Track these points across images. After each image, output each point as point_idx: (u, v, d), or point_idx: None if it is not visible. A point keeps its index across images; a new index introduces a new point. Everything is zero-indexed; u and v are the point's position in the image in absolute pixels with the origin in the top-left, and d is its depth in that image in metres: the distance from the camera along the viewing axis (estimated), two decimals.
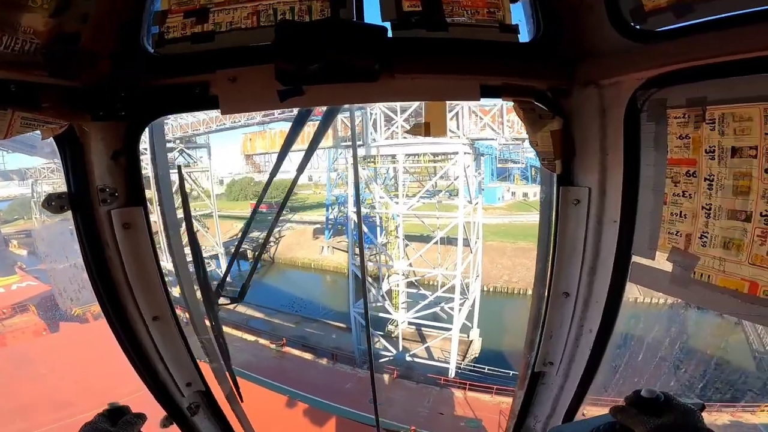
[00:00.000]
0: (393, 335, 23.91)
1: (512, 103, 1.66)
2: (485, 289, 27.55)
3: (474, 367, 21.75)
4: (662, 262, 1.49)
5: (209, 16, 1.53)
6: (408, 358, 22.41)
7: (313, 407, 12.19)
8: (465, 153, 21.38)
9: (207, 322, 2.25)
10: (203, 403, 2.25)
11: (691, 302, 1.47)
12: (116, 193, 1.56)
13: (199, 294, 2.27)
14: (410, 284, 25.32)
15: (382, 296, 23.64)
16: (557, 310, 1.91)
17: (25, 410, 11.41)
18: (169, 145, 32.62)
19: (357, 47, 1.35)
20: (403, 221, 23.95)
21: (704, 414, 1.10)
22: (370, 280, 24.18)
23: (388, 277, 24.41)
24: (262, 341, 22.95)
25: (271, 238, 46.22)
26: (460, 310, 21.65)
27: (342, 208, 39.07)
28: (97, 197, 1.52)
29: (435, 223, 25.84)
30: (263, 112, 27.71)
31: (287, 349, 21.90)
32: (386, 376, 19.03)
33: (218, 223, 35.54)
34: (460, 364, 21.20)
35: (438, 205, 25.71)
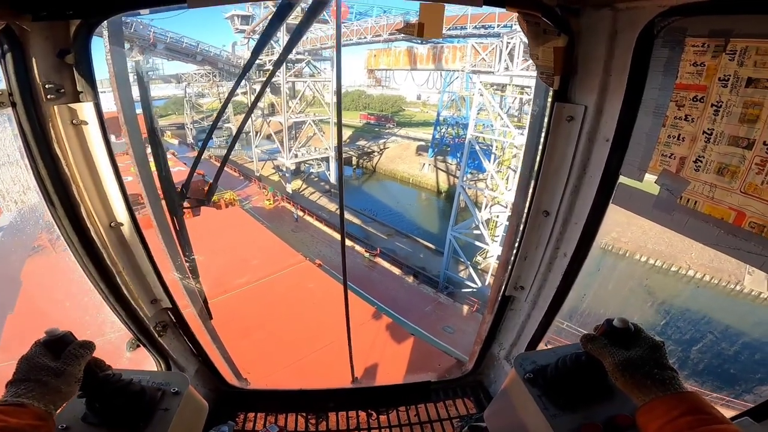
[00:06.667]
0: (480, 266, 24.03)
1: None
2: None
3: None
4: None
5: None
6: None
7: (395, 323, 12.83)
8: None
9: (172, 229, 2.02)
10: (171, 322, 2.15)
11: (672, 229, 1.37)
12: (62, 89, 1.43)
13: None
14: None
15: (482, 224, 23.45)
16: (535, 230, 1.86)
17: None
18: (298, 56, 34.96)
19: None
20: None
21: None
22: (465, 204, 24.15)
23: (491, 206, 23.97)
24: (357, 248, 24.45)
25: (375, 148, 48.03)
26: None
27: (450, 129, 38.53)
28: (41, 93, 1.39)
29: None
30: (388, 32, 28.04)
31: (378, 260, 23.15)
32: (465, 307, 19.37)
33: (332, 129, 37.56)
34: None
35: None
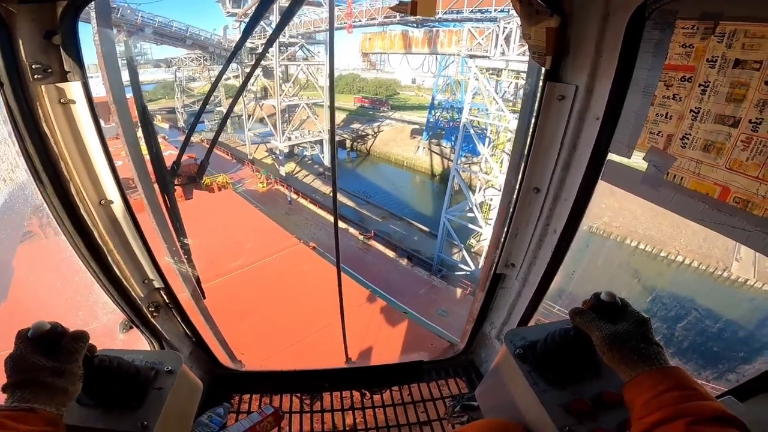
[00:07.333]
0: (474, 249, 24.22)
1: None
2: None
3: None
4: None
5: None
6: None
7: (390, 306, 12.86)
8: None
9: (162, 207, 2.01)
10: (164, 302, 2.16)
11: (658, 204, 1.41)
12: (49, 69, 1.44)
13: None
14: None
15: (476, 207, 23.57)
16: (526, 207, 1.90)
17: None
18: (291, 39, 34.55)
19: None
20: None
21: None
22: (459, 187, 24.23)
23: (485, 189, 24.07)
24: (352, 230, 24.49)
25: (370, 132, 47.92)
26: None
27: (445, 113, 38.38)
28: (29, 72, 1.40)
29: None
30: (384, 15, 28.26)
31: (372, 242, 23.23)
32: (459, 290, 19.46)
33: (326, 112, 37.34)
34: None
35: None
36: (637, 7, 1.29)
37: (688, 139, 1.30)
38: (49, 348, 0.94)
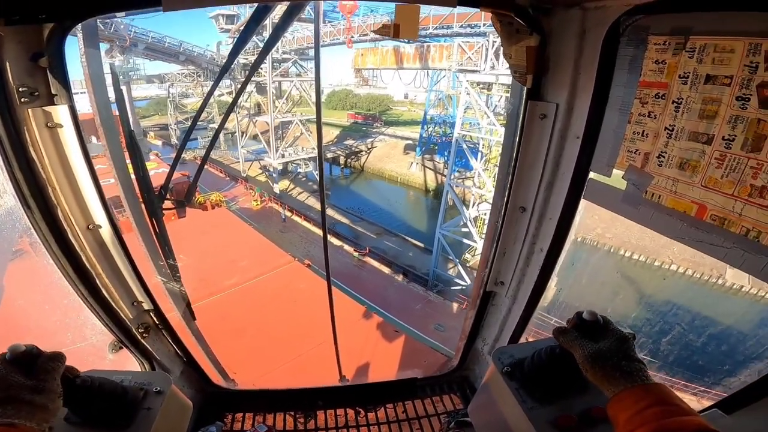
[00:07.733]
0: (469, 264, 24.23)
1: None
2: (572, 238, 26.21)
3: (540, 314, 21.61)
4: None
5: None
6: None
7: (386, 322, 12.81)
8: None
9: (151, 231, 2.01)
10: (153, 323, 2.15)
11: (638, 222, 1.42)
12: (36, 92, 1.43)
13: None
14: None
15: (470, 222, 23.65)
16: (513, 226, 1.92)
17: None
18: (285, 56, 34.82)
19: None
20: None
21: None
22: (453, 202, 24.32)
23: (478, 204, 24.19)
24: (347, 247, 24.42)
25: (363, 148, 47.98)
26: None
27: (437, 128, 38.70)
28: (15, 96, 1.38)
29: None
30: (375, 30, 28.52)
31: (367, 259, 23.14)
32: (455, 305, 19.33)
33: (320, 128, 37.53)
34: None
35: None
36: (612, 24, 1.32)
37: (664, 157, 1.32)
38: (27, 369, 0.95)
